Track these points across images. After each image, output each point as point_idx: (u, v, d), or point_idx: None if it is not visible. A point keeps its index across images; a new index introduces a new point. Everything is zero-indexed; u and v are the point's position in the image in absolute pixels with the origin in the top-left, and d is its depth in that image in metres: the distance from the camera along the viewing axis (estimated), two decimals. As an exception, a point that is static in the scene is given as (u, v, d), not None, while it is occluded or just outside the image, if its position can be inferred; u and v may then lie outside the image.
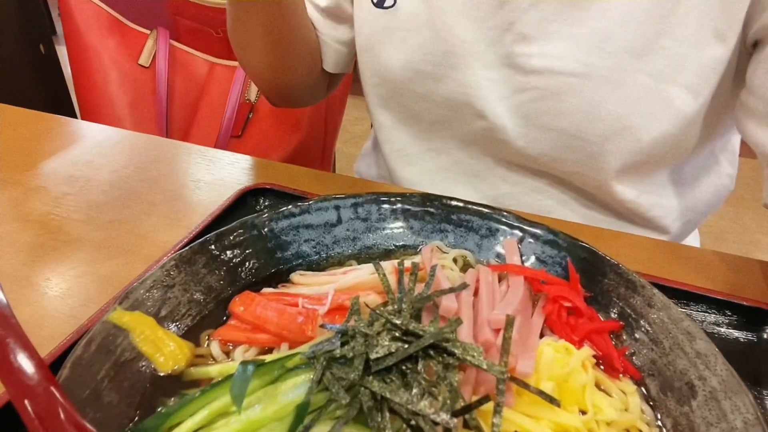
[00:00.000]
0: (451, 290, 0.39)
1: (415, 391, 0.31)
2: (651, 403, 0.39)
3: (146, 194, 0.63)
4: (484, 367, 0.32)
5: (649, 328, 0.42)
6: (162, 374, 0.38)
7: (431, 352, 0.33)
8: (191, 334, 0.42)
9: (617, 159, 0.60)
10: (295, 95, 0.78)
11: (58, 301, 0.49)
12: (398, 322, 0.34)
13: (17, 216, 0.60)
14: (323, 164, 1.23)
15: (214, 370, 0.38)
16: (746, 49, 0.55)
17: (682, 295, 0.49)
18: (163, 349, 0.39)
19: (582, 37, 0.56)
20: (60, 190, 0.64)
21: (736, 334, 0.47)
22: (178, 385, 0.38)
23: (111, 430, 0.34)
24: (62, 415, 0.30)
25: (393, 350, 0.32)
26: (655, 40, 0.54)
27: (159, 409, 0.36)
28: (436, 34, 0.61)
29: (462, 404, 0.31)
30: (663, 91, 0.56)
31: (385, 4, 0.63)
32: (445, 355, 0.33)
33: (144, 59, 1.25)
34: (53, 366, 0.36)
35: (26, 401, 0.30)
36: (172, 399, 0.37)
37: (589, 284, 0.46)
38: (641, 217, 0.67)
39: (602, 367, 0.41)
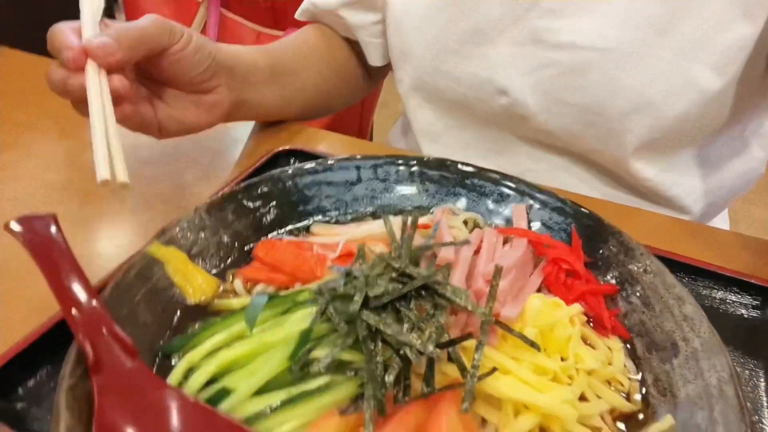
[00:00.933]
0: (452, 243, 0.42)
1: (405, 325, 0.35)
2: (636, 361, 0.41)
3: (189, 151, 0.68)
4: (470, 308, 0.35)
5: (642, 293, 0.44)
6: (191, 303, 0.43)
7: (423, 294, 0.36)
8: (218, 273, 0.46)
9: (637, 135, 0.61)
10: (349, 104, 0.87)
11: (105, 241, 0.55)
12: (396, 265, 0.37)
13: (73, 165, 0.66)
14: (360, 134, 1.26)
15: (235, 303, 0.43)
16: None
17: (692, 271, 0.50)
18: (193, 281, 0.44)
19: (607, 12, 0.57)
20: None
21: (746, 312, 0.48)
22: (204, 313, 0.43)
23: (144, 346, 0.39)
24: (102, 324, 0.35)
25: (389, 290, 0.36)
26: (681, 17, 0.54)
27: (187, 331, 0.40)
28: (463, 11, 0.63)
29: (446, 339, 0.34)
30: (686, 68, 0.56)
31: None
32: (435, 297, 0.36)
33: (196, 25, 1.30)
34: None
35: (73, 309, 0.35)
36: (198, 324, 0.41)
37: (591, 250, 0.48)
38: (661, 197, 0.67)
39: (592, 326, 0.43)
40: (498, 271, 0.37)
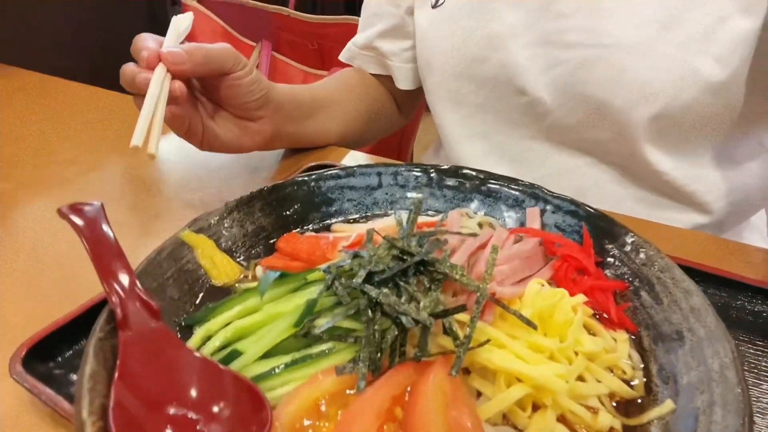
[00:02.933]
0: (458, 233, 0.44)
1: (404, 297, 0.37)
2: (641, 352, 0.41)
3: (229, 168, 0.74)
4: (464, 281, 0.36)
5: (652, 290, 0.44)
6: (215, 285, 0.47)
7: (422, 269, 0.38)
8: (241, 262, 0.50)
9: (645, 125, 0.63)
10: (382, 135, 0.94)
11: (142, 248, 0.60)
12: (399, 244, 0.39)
13: (128, 178, 0.73)
14: (399, 158, 1.31)
15: (252, 286, 0.46)
16: None
17: (713, 280, 0.49)
18: (219, 265, 0.47)
19: (612, 11, 0.61)
20: (165, 160, 0.77)
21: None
22: (225, 295, 0.46)
23: (170, 317, 0.43)
24: (130, 286, 0.39)
25: (391, 266, 0.38)
26: (683, 12, 0.57)
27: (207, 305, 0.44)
28: (481, 21, 0.68)
29: (442, 309, 0.36)
30: (690, 60, 0.58)
31: (439, 3, 0.71)
32: (433, 272, 0.38)
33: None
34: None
35: (108, 276, 0.39)
36: (219, 303, 0.45)
37: (602, 250, 0.49)
38: (682, 192, 0.67)
39: (599, 318, 0.43)
40: (494, 249, 0.38)
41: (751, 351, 0.44)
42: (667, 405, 0.36)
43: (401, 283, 0.38)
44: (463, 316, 0.38)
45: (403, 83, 0.85)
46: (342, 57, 0.90)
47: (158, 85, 0.51)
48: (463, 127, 0.76)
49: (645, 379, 0.39)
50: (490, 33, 0.68)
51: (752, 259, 0.55)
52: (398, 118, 0.96)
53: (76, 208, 0.45)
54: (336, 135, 0.79)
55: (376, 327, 0.36)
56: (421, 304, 0.36)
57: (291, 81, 1.40)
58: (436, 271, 0.38)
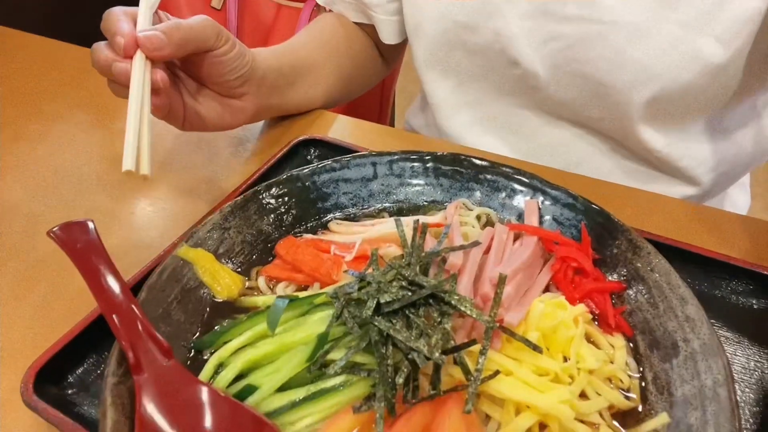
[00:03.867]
0: (461, 247, 0.44)
1: (414, 331, 0.37)
2: (637, 358, 0.43)
3: (212, 140, 0.71)
4: (474, 316, 0.37)
5: (648, 292, 0.46)
6: (219, 300, 0.47)
7: (431, 301, 0.39)
8: (243, 270, 0.50)
9: (643, 107, 0.62)
10: (368, 88, 0.90)
11: (138, 233, 0.59)
12: (406, 273, 0.39)
13: (105, 156, 0.69)
14: (381, 116, 1.27)
15: (260, 300, 0.46)
16: None
17: (701, 260, 0.51)
18: (220, 280, 0.47)
19: None
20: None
21: (753, 301, 0.49)
22: (231, 310, 0.46)
23: (178, 342, 0.43)
24: (140, 327, 0.38)
25: (399, 297, 0.38)
26: None
27: (215, 328, 0.44)
28: None
29: (452, 345, 0.37)
30: (692, 41, 0.56)
31: None
32: (442, 304, 0.38)
33: (216, 2, 1.30)
34: (134, 288, 0.45)
35: (113, 315, 0.39)
36: (226, 321, 0.45)
37: (600, 247, 0.50)
38: (672, 167, 0.68)
39: (597, 322, 0.45)
40: (502, 280, 0.39)
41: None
42: (663, 418, 0.38)
43: (410, 315, 0.38)
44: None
45: (388, 37, 0.80)
46: (320, 0, 0.84)
47: (140, 81, 0.48)
48: (453, 96, 0.74)
49: (641, 386, 0.41)
50: (482, 1, 0.64)
51: (735, 228, 0.57)
52: (383, 68, 0.91)
53: (67, 234, 0.43)
54: (322, 99, 0.76)
55: (389, 362, 0.36)
56: (432, 339, 0.37)
57: (262, 16, 1.31)
58: (444, 302, 0.38)
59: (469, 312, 0.37)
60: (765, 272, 0.49)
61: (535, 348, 0.38)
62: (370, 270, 0.42)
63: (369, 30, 0.82)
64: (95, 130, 0.75)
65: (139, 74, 0.48)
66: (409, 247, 0.43)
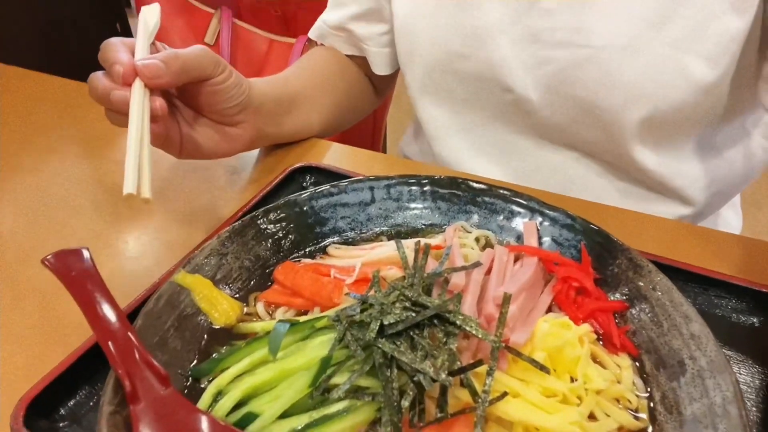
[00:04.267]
0: (463, 268, 0.43)
1: (419, 353, 0.37)
2: (644, 377, 0.43)
3: (208, 169, 0.71)
4: (480, 336, 0.37)
5: (651, 311, 0.45)
6: (216, 327, 0.46)
7: (436, 322, 0.38)
8: (241, 296, 0.49)
9: (635, 127, 0.63)
10: (360, 118, 0.92)
11: (133, 261, 0.58)
12: (409, 294, 0.39)
13: (99, 185, 0.69)
14: (374, 142, 1.28)
15: (258, 326, 0.45)
16: None
17: (699, 280, 0.51)
18: (218, 306, 0.46)
19: (602, 10, 0.59)
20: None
21: (752, 319, 0.49)
22: (229, 336, 0.45)
23: (175, 370, 0.42)
24: (137, 355, 0.37)
25: (403, 318, 0.38)
26: (674, 9, 0.56)
27: (213, 355, 0.43)
28: (465, 14, 0.65)
29: (458, 366, 0.36)
30: (680, 60, 0.58)
31: None
32: (447, 325, 0.38)
33: (209, 37, 1.32)
34: (130, 316, 0.44)
35: (110, 343, 0.38)
36: (224, 348, 0.44)
37: (600, 267, 0.50)
38: (665, 187, 0.69)
39: (602, 342, 0.45)
40: (507, 299, 0.38)
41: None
42: (673, 438, 0.38)
43: (415, 336, 0.37)
44: (477, 364, 0.38)
45: (380, 68, 0.82)
46: (312, 35, 0.85)
47: (139, 109, 0.48)
48: (447, 122, 0.74)
49: (649, 406, 0.41)
50: (473, 28, 0.65)
51: (729, 248, 0.58)
52: (375, 98, 0.93)
53: (62, 261, 0.42)
54: (317, 128, 0.77)
55: (394, 386, 0.36)
56: (438, 361, 0.36)
57: (255, 50, 1.33)
58: (449, 323, 0.38)
59: (474, 332, 0.37)
60: (765, 290, 0.49)
61: (543, 368, 0.38)
62: (372, 292, 0.42)
63: (361, 62, 0.84)
64: (88, 160, 0.74)
65: (139, 100, 0.48)
66: (410, 269, 0.42)
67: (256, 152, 0.74)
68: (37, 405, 0.40)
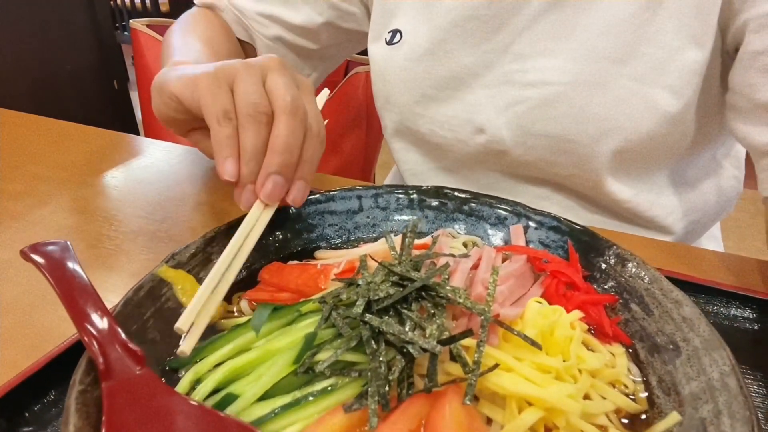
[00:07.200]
0: (451, 255, 0.43)
1: (408, 325, 0.36)
2: (639, 365, 0.41)
3: (197, 194, 0.71)
4: (468, 305, 0.36)
5: (641, 301, 0.45)
6: (198, 323, 0.44)
7: (424, 295, 0.37)
8: (225, 297, 0.47)
9: (608, 159, 0.64)
10: None
11: (116, 284, 0.57)
12: (397, 270, 0.38)
13: (86, 210, 0.69)
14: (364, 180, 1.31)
15: (241, 322, 0.44)
16: (729, 56, 0.58)
17: (689, 288, 0.50)
18: (200, 302, 0.45)
19: (570, 50, 0.61)
20: (125, 189, 0.73)
21: (747, 326, 0.48)
22: (211, 333, 0.43)
23: (151, 361, 0.40)
24: (110, 332, 0.36)
25: (391, 293, 0.37)
26: (636, 46, 0.59)
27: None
28: (439, 62, 0.68)
29: (448, 336, 0.35)
30: (646, 93, 0.60)
31: (394, 41, 0.71)
32: (435, 297, 0.37)
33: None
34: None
35: (83, 321, 0.36)
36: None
37: (588, 264, 0.49)
38: (641, 218, 0.69)
39: (594, 334, 0.44)
40: (495, 270, 0.38)
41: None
42: (674, 417, 0.36)
43: (403, 311, 0.37)
44: (467, 341, 0.37)
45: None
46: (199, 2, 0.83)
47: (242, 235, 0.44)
48: (423, 162, 0.76)
49: (647, 393, 0.39)
50: (449, 74, 0.68)
51: (714, 264, 0.58)
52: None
53: (40, 249, 0.42)
54: None
55: (381, 358, 0.34)
56: (427, 331, 0.35)
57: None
58: (438, 295, 0.37)
59: (462, 302, 0.36)
60: (756, 296, 0.49)
61: (534, 344, 0.36)
62: (359, 275, 0.41)
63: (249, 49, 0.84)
64: (79, 186, 0.74)
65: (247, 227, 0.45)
66: (398, 251, 0.42)
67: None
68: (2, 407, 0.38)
